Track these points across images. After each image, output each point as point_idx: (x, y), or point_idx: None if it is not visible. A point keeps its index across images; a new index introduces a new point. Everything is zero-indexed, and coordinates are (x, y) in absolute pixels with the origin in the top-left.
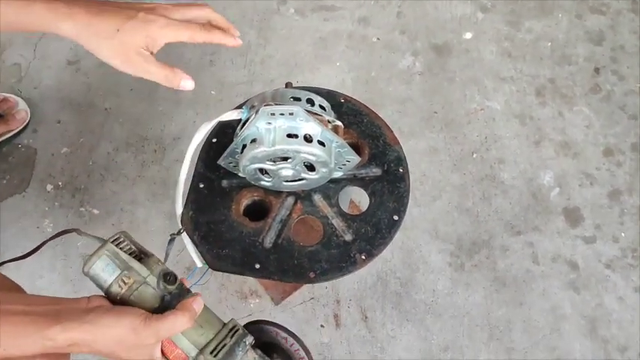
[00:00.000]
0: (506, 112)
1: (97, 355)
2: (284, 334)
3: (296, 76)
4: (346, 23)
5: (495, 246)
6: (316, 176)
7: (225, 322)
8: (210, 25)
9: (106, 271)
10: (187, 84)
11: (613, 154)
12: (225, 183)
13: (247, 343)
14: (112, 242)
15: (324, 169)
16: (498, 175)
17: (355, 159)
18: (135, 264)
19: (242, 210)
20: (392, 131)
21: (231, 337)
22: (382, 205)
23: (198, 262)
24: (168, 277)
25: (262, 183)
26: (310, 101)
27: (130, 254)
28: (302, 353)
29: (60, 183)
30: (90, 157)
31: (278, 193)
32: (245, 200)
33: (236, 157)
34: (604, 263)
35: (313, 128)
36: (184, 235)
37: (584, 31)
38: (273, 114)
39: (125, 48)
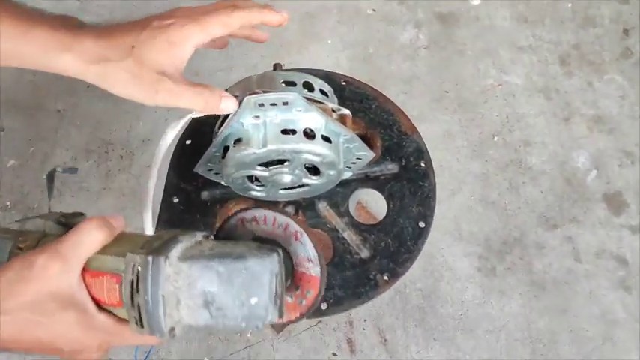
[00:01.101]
0: (527, 86)
1: (14, 342)
2: (249, 216)
3: (282, 58)
4: None
5: (529, 244)
6: (321, 181)
7: None
8: (239, 4)
9: None
10: (229, 104)
11: None
12: (205, 195)
13: (197, 234)
14: None
15: (331, 172)
16: (525, 159)
17: (368, 155)
18: (28, 224)
19: None
20: (408, 117)
21: (170, 234)
22: (403, 211)
23: None
24: (71, 215)
25: (253, 194)
26: (308, 85)
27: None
28: (281, 220)
29: (8, 203)
30: (43, 170)
31: (272, 204)
32: None
33: (217, 163)
34: None
35: (315, 120)
36: None
37: None
38: (261, 104)
39: (144, 69)
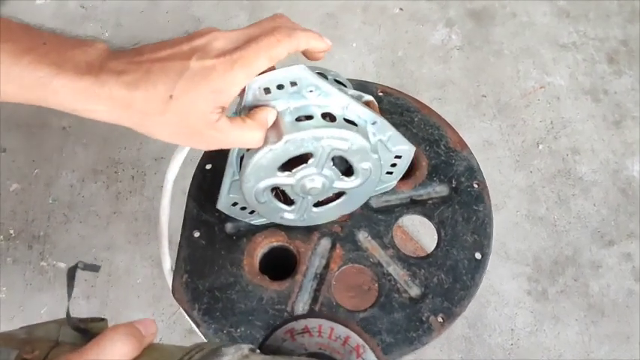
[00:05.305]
0: (572, 87)
1: None
2: (300, 326)
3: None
4: None
5: (583, 263)
6: (358, 181)
7: None
8: (281, 30)
9: None
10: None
11: None
12: (230, 227)
13: (243, 347)
14: None
15: (364, 165)
16: (574, 169)
17: (408, 149)
18: (38, 329)
19: (258, 265)
20: (455, 131)
21: (212, 345)
22: (457, 240)
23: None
24: (90, 320)
25: (285, 216)
26: (321, 76)
27: None
28: (340, 331)
29: (11, 231)
30: (48, 194)
31: (306, 235)
32: (260, 249)
33: (239, 193)
34: None
35: (333, 101)
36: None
37: None
38: (267, 89)
39: (186, 120)
